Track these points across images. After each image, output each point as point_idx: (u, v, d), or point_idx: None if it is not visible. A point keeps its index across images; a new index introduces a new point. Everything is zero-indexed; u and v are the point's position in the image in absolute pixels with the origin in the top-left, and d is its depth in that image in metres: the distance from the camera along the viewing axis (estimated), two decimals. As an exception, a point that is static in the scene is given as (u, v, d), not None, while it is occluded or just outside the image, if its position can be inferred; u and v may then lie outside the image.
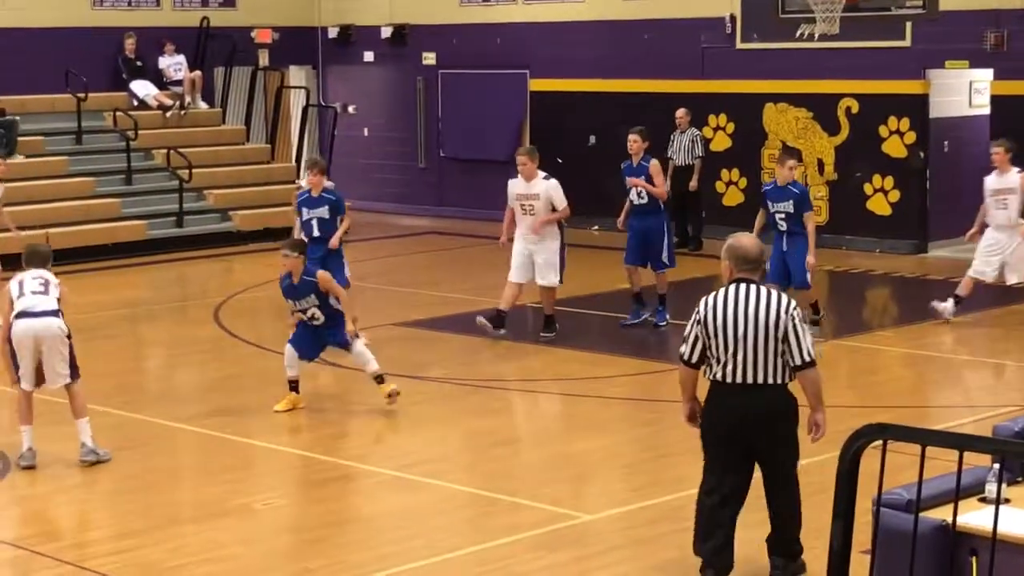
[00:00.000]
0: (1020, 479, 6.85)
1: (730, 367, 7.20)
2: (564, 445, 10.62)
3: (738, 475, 7.40)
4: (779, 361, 7.18)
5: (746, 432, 7.28)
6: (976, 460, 5.86)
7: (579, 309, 15.43)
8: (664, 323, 14.50)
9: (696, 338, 7.31)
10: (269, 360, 13.84)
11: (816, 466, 9.77)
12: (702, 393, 7.58)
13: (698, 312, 7.33)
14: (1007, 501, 6.37)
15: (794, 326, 7.16)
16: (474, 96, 23.20)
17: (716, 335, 7.21)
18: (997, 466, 6.15)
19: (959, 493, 5.20)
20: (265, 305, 17.10)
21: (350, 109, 25.12)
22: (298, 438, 11.00)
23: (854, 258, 19.11)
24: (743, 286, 7.26)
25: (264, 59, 24.41)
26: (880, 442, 5.06)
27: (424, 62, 24.22)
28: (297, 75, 25.51)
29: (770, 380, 7.20)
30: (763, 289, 7.28)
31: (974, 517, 6.08)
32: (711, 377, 7.34)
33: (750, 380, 7.20)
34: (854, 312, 16.55)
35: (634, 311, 14.65)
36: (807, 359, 7.20)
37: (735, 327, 7.17)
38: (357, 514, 9.34)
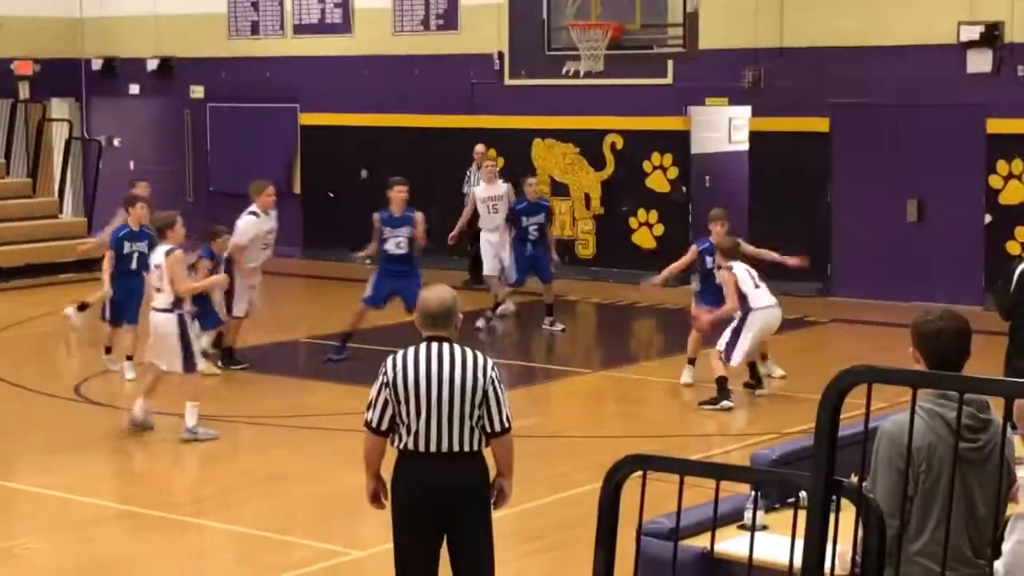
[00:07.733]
0: (778, 505, 7.07)
1: (423, 435, 6.47)
2: (336, 481, 10.55)
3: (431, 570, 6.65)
4: (475, 427, 6.52)
5: (442, 508, 6.53)
6: (737, 488, 6.03)
7: (363, 345, 15.29)
8: (338, 357, 14.72)
9: (385, 402, 6.52)
10: (31, 400, 13.44)
11: (582, 496, 9.96)
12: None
13: (385, 373, 6.55)
14: (765, 528, 6.56)
15: (494, 389, 6.51)
16: (244, 130, 22.99)
17: (407, 399, 6.47)
18: (755, 493, 6.33)
19: (716, 521, 5.34)
20: (28, 344, 16.61)
21: (115, 142, 24.61)
22: (59, 479, 10.70)
23: (620, 290, 19.45)
24: (435, 345, 6.54)
25: (24, 91, 23.79)
26: (641, 473, 5.15)
27: (192, 95, 23.90)
28: (60, 107, 24.91)
29: (465, 448, 6.50)
30: (457, 348, 6.56)
31: (733, 544, 6.24)
32: (400, 447, 6.56)
33: (444, 448, 6.48)
34: (621, 343, 16.86)
35: None
36: (506, 425, 6.58)
37: (428, 390, 6.45)
38: (119, 557, 9.12)
